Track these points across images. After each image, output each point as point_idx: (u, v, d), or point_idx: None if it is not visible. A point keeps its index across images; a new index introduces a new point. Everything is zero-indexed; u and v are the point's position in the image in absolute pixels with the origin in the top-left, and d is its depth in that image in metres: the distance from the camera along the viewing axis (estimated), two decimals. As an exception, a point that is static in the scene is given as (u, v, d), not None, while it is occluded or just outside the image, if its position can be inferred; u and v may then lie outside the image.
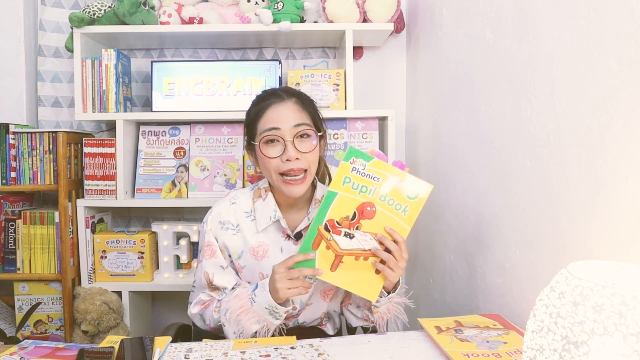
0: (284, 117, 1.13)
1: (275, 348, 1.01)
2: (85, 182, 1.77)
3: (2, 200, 1.79)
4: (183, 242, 1.82)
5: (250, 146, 1.21)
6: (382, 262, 1.06)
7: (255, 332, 1.12)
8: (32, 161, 1.76)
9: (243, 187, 1.79)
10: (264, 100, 1.17)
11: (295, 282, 1.06)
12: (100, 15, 1.75)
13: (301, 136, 1.13)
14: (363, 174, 1.07)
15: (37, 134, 1.75)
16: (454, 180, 1.51)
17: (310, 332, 1.26)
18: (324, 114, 1.73)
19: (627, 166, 0.80)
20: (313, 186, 1.24)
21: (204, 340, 1.08)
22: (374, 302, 1.11)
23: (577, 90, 0.93)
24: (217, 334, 1.22)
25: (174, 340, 1.13)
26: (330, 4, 1.76)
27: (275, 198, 1.21)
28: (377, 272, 1.08)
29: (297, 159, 1.11)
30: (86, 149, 1.76)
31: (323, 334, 1.29)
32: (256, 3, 1.81)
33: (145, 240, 1.79)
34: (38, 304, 1.78)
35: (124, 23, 1.75)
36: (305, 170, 1.13)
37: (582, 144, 0.91)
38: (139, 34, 1.79)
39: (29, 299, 1.78)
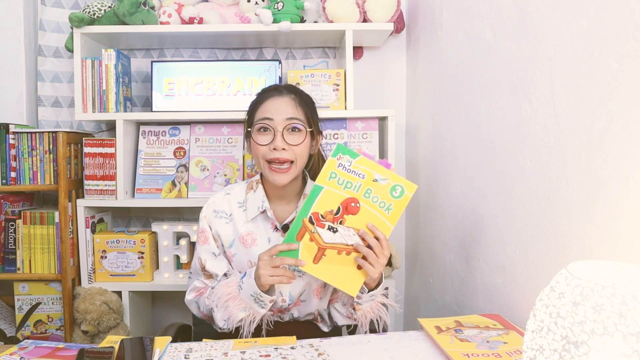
0: (279, 109, 1.20)
1: (275, 348, 1.01)
2: (85, 182, 1.77)
3: (2, 200, 1.79)
4: (183, 242, 1.82)
5: (247, 134, 1.28)
6: (364, 258, 1.09)
7: (242, 320, 1.15)
8: (32, 161, 1.76)
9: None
10: (266, 93, 1.26)
11: (278, 270, 1.09)
12: (100, 15, 1.75)
13: (292, 129, 1.20)
14: (349, 170, 1.10)
15: (37, 134, 1.75)
16: (454, 180, 1.52)
17: (306, 327, 1.28)
18: (324, 114, 1.76)
19: (627, 166, 0.80)
20: (304, 181, 1.30)
21: (204, 340, 1.08)
22: (355, 297, 1.14)
23: (577, 90, 0.93)
24: (210, 322, 1.26)
25: (174, 340, 1.13)
26: (330, 4, 1.76)
27: (265, 190, 1.27)
28: (359, 267, 1.10)
29: (283, 149, 1.17)
30: (86, 149, 1.76)
31: (318, 330, 1.31)
32: (256, 3, 1.81)
33: (145, 240, 1.79)
34: (38, 304, 1.78)
35: (124, 23, 1.75)
36: (292, 162, 1.19)
37: (582, 144, 0.91)
38: (139, 34, 1.79)
39: (29, 299, 1.78)
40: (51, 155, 1.75)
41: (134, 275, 1.80)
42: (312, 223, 1.09)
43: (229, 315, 1.15)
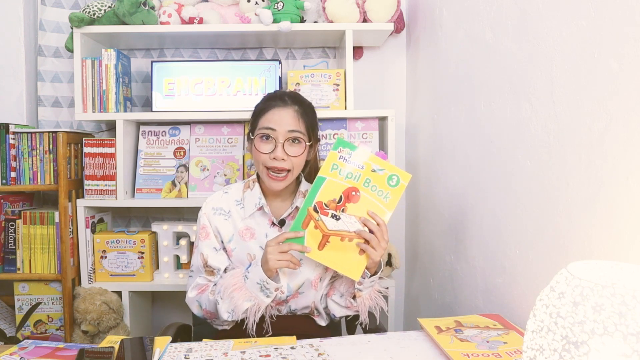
0: (282, 121, 1.24)
1: (275, 348, 1.01)
2: (85, 182, 1.77)
3: (2, 200, 1.79)
4: (183, 242, 1.82)
5: (250, 136, 1.32)
6: (366, 243, 1.15)
7: (246, 311, 1.18)
8: (32, 161, 1.76)
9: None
10: (271, 100, 1.30)
11: (285, 256, 1.15)
12: (100, 15, 1.75)
13: (292, 141, 1.25)
14: (349, 162, 1.18)
15: (37, 134, 1.75)
16: (454, 180, 1.52)
17: (303, 321, 1.30)
18: (324, 114, 1.76)
19: (627, 166, 0.80)
20: (298, 181, 1.35)
21: (204, 340, 1.08)
22: (357, 282, 1.18)
23: (577, 90, 0.93)
24: (212, 320, 1.28)
25: (174, 340, 1.13)
26: (330, 4, 1.76)
27: (261, 188, 1.32)
28: (361, 252, 1.16)
29: (283, 159, 1.23)
30: (86, 149, 1.76)
31: (314, 324, 1.32)
32: (256, 3, 1.81)
33: (145, 240, 1.79)
34: (38, 304, 1.78)
35: (124, 23, 1.75)
36: (289, 171, 1.25)
37: (582, 144, 0.91)
38: (139, 34, 1.79)
39: (29, 299, 1.78)
40: (51, 155, 1.75)
41: (134, 275, 1.80)
42: (317, 211, 1.16)
43: (234, 306, 1.18)
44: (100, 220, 1.88)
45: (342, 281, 1.27)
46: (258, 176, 1.32)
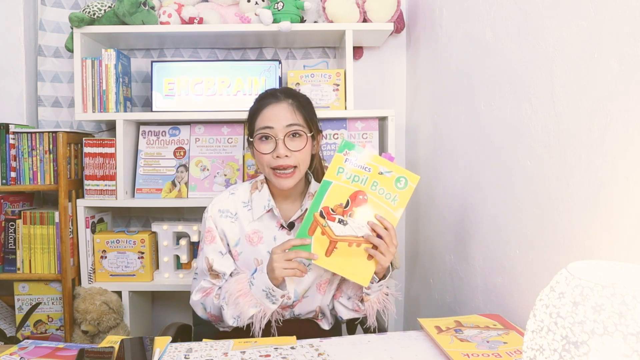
0: (278, 117, 1.21)
1: (275, 348, 1.01)
2: (85, 182, 1.77)
3: (2, 200, 1.79)
4: (183, 242, 1.82)
5: (250, 141, 1.29)
6: (374, 248, 1.12)
7: (252, 317, 1.16)
8: (32, 161, 1.76)
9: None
10: (262, 100, 1.26)
11: (291, 264, 1.12)
12: (100, 15, 1.75)
13: (292, 135, 1.21)
14: (355, 165, 1.14)
15: (37, 134, 1.75)
16: (454, 180, 1.52)
17: (306, 325, 1.29)
18: (324, 114, 1.76)
19: (627, 166, 0.80)
20: (307, 181, 1.32)
21: (204, 340, 1.08)
22: (366, 287, 1.16)
23: (577, 90, 0.93)
24: (217, 323, 1.26)
25: (174, 340, 1.13)
26: (330, 4, 1.76)
27: (270, 190, 1.29)
28: (369, 258, 1.13)
29: (286, 156, 1.19)
30: (86, 149, 1.76)
31: (318, 327, 1.31)
32: (256, 3, 1.81)
33: (145, 240, 1.79)
34: (38, 304, 1.78)
35: (124, 23, 1.75)
36: (295, 167, 1.21)
37: (582, 144, 0.91)
38: (139, 34, 1.79)
39: (29, 299, 1.78)
40: (51, 155, 1.75)
41: (134, 275, 1.80)
42: (323, 217, 1.13)
43: (239, 312, 1.16)
44: (100, 220, 1.88)
45: (349, 284, 1.25)
46: (266, 177, 1.30)
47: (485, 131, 1.31)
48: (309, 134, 1.23)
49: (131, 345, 0.99)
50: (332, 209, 1.13)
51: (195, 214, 2.00)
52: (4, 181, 1.74)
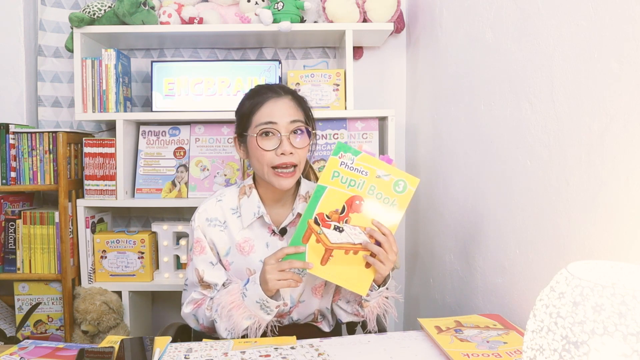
0: (281, 112, 1.16)
1: (275, 348, 1.01)
2: (85, 182, 1.77)
3: (2, 200, 1.79)
4: (183, 242, 1.82)
5: (242, 137, 1.22)
6: (372, 255, 1.08)
7: (247, 329, 1.12)
8: (32, 161, 1.75)
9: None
10: (260, 95, 1.19)
11: (285, 274, 1.07)
12: (100, 15, 1.75)
13: (295, 132, 1.16)
14: (351, 168, 1.09)
15: (37, 134, 1.75)
16: (454, 180, 1.51)
17: (306, 329, 1.27)
18: (324, 114, 1.76)
19: (627, 166, 0.80)
20: (297, 182, 1.26)
21: (204, 340, 1.08)
22: (365, 296, 1.12)
23: (577, 90, 0.93)
24: (210, 334, 1.23)
25: (174, 340, 1.13)
26: (330, 4, 1.76)
27: (259, 194, 1.23)
28: (367, 266, 1.09)
29: (290, 153, 1.14)
30: (86, 149, 1.76)
31: (318, 331, 1.30)
32: (256, 3, 1.81)
33: (145, 240, 1.79)
34: (38, 304, 1.78)
35: (124, 23, 1.75)
36: (295, 166, 1.16)
37: (582, 144, 0.91)
38: (139, 34, 1.79)
39: (29, 299, 1.78)
40: (51, 155, 1.75)
41: (134, 275, 1.80)
42: (318, 224, 1.08)
43: (233, 325, 1.12)
44: (100, 220, 1.88)
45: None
46: (254, 181, 1.25)
47: (485, 131, 1.31)
48: (312, 131, 1.20)
49: (131, 345, 0.99)
50: (327, 215, 1.08)
51: (195, 214, 2.00)
52: (4, 181, 1.74)
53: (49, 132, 1.75)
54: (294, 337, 1.07)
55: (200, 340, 1.08)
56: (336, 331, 1.38)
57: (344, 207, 1.08)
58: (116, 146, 1.76)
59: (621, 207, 0.82)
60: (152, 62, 1.84)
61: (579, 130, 0.92)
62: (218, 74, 1.82)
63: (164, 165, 1.87)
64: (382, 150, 1.83)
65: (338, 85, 1.79)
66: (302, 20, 1.83)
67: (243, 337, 1.14)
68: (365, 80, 2.02)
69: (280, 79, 1.82)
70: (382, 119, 1.83)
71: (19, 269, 1.76)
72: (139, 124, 1.90)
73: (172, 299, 2.06)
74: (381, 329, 1.26)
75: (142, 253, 1.79)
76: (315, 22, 1.90)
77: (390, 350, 1.01)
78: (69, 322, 1.74)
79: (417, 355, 0.99)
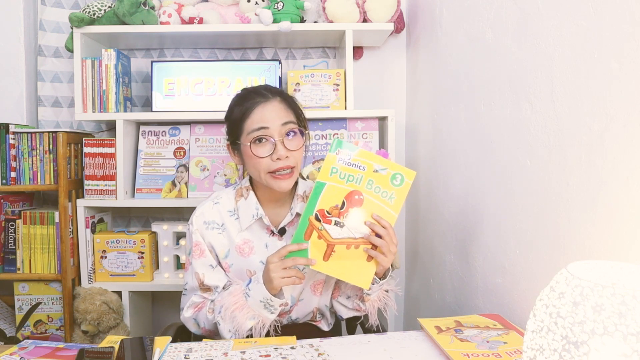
0: (271, 116, 1.14)
1: (275, 348, 1.01)
2: (85, 182, 1.77)
3: (2, 200, 1.79)
4: (183, 242, 1.82)
5: (235, 145, 1.22)
6: (373, 248, 1.09)
7: (251, 329, 1.12)
8: (32, 161, 1.76)
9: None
10: (248, 100, 1.18)
11: (289, 272, 1.08)
12: (100, 15, 1.75)
13: (288, 134, 1.15)
14: (349, 164, 1.10)
15: (37, 134, 1.75)
16: (454, 180, 1.51)
17: (305, 328, 1.27)
18: (324, 114, 1.76)
19: (627, 166, 0.80)
20: (294, 182, 1.24)
21: (204, 340, 1.08)
22: (367, 289, 1.13)
23: (577, 90, 0.93)
24: (212, 337, 1.22)
25: (174, 340, 1.13)
26: (330, 4, 1.76)
27: (257, 196, 1.23)
28: (368, 259, 1.11)
29: (287, 157, 1.14)
30: (86, 149, 1.76)
31: (317, 330, 1.30)
32: (256, 3, 1.81)
33: (145, 240, 1.79)
34: (38, 304, 1.78)
35: (124, 23, 1.75)
36: (293, 167, 1.16)
37: (582, 144, 0.91)
38: (139, 34, 1.79)
39: (29, 299, 1.78)
40: (51, 155, 1.75)
41: (134, 275, 1.80)
42: (319, 220, 1.09)
43: (237, 326, 1.12)
44: (100, 220, 1.88)
45: (348, 283, 1.20)
46: (251, 183, 1.25)
47: (485, 131, 1.31)
48: (305, 131, 1.19)
49: (131, 345, 0.99)
50: (327, 211, 1.09)
51: (195, 214, 2.00)
52: (4, 181, 1.74)
53: (49, 132, 1.75)
54: (294, 337, 1.07)
55: (200, 340, 1.08)
56: (335, 330, 1.38)
57: (343, 202, 1.10)
58: (116, 146, 1.76)
59: (621, 207, 0.82)
60: (152, 62, 1.84)
61: (579, 130, 0.92)
62: (218, 74, 1.82)
63: (164, 165, 1.87)
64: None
65: (338, 85, 1.79)
66: (302, 20, 1.83)
67: (247, 337, 1.14)
68: (365, 80, 2.02)
69: (280, 79, 1.82)
70: (382, 119, 1.83)
71: (19, 269, 1.76)
72: (139, 124, 1.90)
73: (172, 299, 2.06)
74: (381, 324, 1.26)
75: (142, 253, 1.79)
76: (315, 22, 1.90)
77: (390, 350, 1.01)
78: (69, 322, 1.74)
79: (417, 355, 0.99)
